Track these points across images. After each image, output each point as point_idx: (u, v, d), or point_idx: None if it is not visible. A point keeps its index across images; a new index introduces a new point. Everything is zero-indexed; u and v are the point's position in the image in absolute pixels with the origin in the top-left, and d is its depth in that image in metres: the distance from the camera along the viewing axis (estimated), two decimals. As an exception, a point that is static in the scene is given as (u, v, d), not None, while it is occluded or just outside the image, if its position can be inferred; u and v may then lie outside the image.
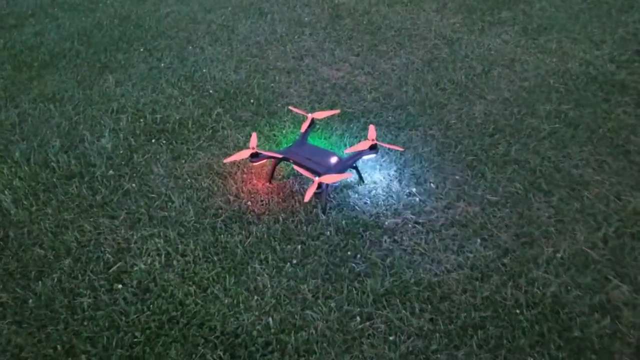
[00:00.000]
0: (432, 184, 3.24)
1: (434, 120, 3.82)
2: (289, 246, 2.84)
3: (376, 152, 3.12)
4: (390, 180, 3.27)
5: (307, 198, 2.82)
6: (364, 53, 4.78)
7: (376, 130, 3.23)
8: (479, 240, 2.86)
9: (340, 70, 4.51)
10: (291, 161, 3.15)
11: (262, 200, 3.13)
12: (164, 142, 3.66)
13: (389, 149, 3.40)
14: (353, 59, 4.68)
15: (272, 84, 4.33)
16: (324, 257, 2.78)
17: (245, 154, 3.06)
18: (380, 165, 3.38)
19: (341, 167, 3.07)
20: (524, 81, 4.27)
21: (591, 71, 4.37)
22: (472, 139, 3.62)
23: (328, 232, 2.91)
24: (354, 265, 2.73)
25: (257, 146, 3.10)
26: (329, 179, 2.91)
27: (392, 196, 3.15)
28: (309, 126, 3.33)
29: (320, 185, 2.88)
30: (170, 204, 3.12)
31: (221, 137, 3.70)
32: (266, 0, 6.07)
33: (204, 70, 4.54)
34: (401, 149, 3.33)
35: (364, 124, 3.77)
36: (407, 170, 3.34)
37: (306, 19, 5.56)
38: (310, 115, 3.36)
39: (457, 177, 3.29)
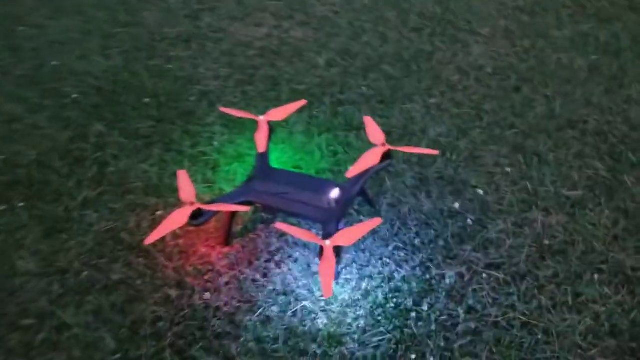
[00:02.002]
0: (478, 189, 2.09)
1: (428, 81, 2.61)
2: (306, 373, 1.59)
3: (390, 161, 1.88)
4: (414, 194, 2.07)
5: (328, 293, 1.53)
6: (285, -6, 3.39)
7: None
8: (596, 277, 1.79)
9: (261, 26, 3.10)
10: (260, 207, 1.84)
11: (227, 284, 1.81)
12: (22, 204, 2.14)
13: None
14: (274, 5, 3.26)
15: (169, 65, 2.85)
16: (376, 380, 1.57)
17: (180, 218, 1.67)
18: (387, 171, 2.16)
19: (348, 202, 1.82)
20: None
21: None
22: (496, 100, 2.48)
23: (358, 323, 1.69)
24: (435, 387, 1.55)
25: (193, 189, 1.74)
26: (348, 236, 1.64)
27: (430, 225, 1.96)
28: (268, 137, 1.98)
29: (337, 251, 1.61)
30: (66, 332, 1.71)
31: (117, 176, 2.24)
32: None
33: (54, 63, 2.93)
34: (435, 152, 2.08)
35: (331, 106, 2.49)
36: (429, 172, 2.15)
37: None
38: (263, 119, 1.99)
39: (507, 170, 2.16)
